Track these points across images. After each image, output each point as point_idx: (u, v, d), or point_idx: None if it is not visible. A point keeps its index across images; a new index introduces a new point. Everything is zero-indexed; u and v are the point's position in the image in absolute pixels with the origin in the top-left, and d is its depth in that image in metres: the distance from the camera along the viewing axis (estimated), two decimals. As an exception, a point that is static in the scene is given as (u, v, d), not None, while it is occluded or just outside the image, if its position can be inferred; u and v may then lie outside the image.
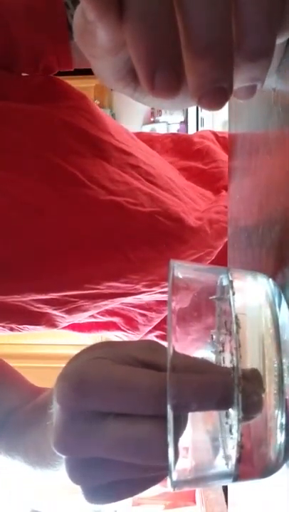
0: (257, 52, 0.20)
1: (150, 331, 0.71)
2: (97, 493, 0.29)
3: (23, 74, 0.59)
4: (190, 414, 0.26)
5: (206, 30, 0.19)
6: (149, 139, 0.73)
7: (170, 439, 0.23)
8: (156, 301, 0.66)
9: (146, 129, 2.93)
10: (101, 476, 0.29)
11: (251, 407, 0.24)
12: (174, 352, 0.24)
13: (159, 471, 0.28)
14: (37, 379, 0.58)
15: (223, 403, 0.24)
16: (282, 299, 0.27)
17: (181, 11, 0.19)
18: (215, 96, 0.20)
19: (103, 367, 0.28)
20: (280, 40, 0.22)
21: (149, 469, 0.28)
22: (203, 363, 0.27)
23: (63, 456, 0.29)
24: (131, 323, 0.69)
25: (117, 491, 0.30)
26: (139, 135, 0.69)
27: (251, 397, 0.24)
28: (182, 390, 0.24)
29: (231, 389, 0.24)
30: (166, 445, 0.24)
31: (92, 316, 0.65)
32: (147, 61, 0.20)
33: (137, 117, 2.97)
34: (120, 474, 0.29)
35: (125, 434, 0.27)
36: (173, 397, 0.23)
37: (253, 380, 0.24)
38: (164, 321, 0.70)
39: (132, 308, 0.67)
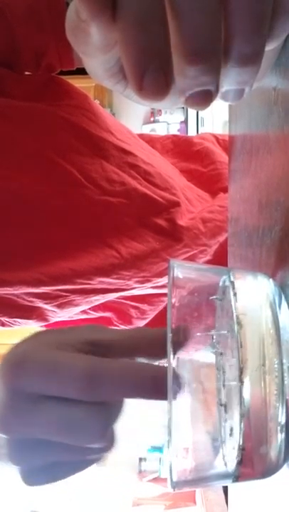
0: (245, 57, 0.21)
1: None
2: (35, 474, 0.31)
3: (26, 73, 0.59)
4: (190, 414, 0.26)
5: (197, 36, 0.19)
6: (150, 140, 0.73)
7: (169, 435, 0.23)
8: (149, 293, 0.66)
9: (147, 128, 2.93)
10: (39, 457, 0.30)
11: None
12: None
13: (96, 453, 0.30)
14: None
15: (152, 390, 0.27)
16: (283, 299, 0.27)
17: (173, 15, 0.19)
18: (201, 98, 0.21)
19: (41, 350, 0.30)
20: (270, 47, 0.22)
21: (86, 451, 0.30)
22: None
23: (3, 437, 0.30)
24: (124, 318, 0.69)
25: (54, 473, 0.31)
26: (140, 136, 0.69)
27: None
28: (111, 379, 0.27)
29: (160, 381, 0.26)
30: (99, 427, 0.28)
31: (84, 311, 0.65)
32: (137, 63, 0.20)
33: (137, 117, 2.97)
34: (58, 455, 0.30)
35: (59, 416, 0.28)
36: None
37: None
38: (163, 322, 0.70)
39: (123, 301, 0.67)
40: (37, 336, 0.33)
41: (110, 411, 0.29)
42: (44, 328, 0.35)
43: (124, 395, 0.29)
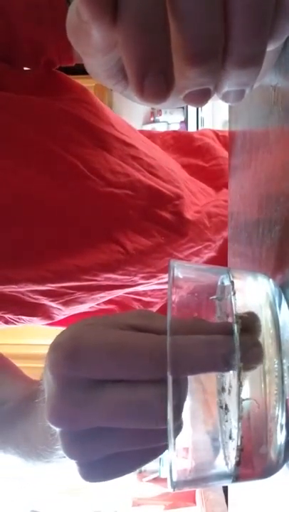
0: (246, 59, 0.21)
1: None
2: (94, 468, 0.28)
3: (25, 68, 0.59)
4: (190, 414, 0.26)
5: (197, 38, 0.19)
6: (150, 136, 0.73)
7: (170, 435, 0.23)
8: (151, 289, 0.66)
9: (147, 128, 2.93)
10: (99, 449, 0.27)
11: (252, 358, 0.24)
12: (173, 317, 0.24)
13: (158, 442, 0.27)
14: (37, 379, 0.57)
15: (224, 364, 0.24)
16: (283, 299, 0.27)
17: (173, 17, 0.19)
18: (200, 96, 0.22)
19: (97, 332, 0.27)
20: (270, 48, 0.22)
21: (149, 439, 0.27)
22: (202, 323, 0.27)
23: (57, 430, 0.28)
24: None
25: (115, 466, 0.28)
26: (140, 133, 0.69)
27: (251, 349, 0.24)
28: (182, 353, 0.24)
29: (232, 348, 0.24)
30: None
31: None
32: (138, 66, 0.20)
33: (137, 117, 2.97)
34: (119, 445, 0.27)
35: (126, 399, 0.26)
36: (173, 361, 0.23)
37: (251, 328, 0.25)
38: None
39: (125, 294, 0.66)
40: (80, 322, 0.29)
41: (179, 389, 0.25)
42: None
43: (195, 371, 0.26)
